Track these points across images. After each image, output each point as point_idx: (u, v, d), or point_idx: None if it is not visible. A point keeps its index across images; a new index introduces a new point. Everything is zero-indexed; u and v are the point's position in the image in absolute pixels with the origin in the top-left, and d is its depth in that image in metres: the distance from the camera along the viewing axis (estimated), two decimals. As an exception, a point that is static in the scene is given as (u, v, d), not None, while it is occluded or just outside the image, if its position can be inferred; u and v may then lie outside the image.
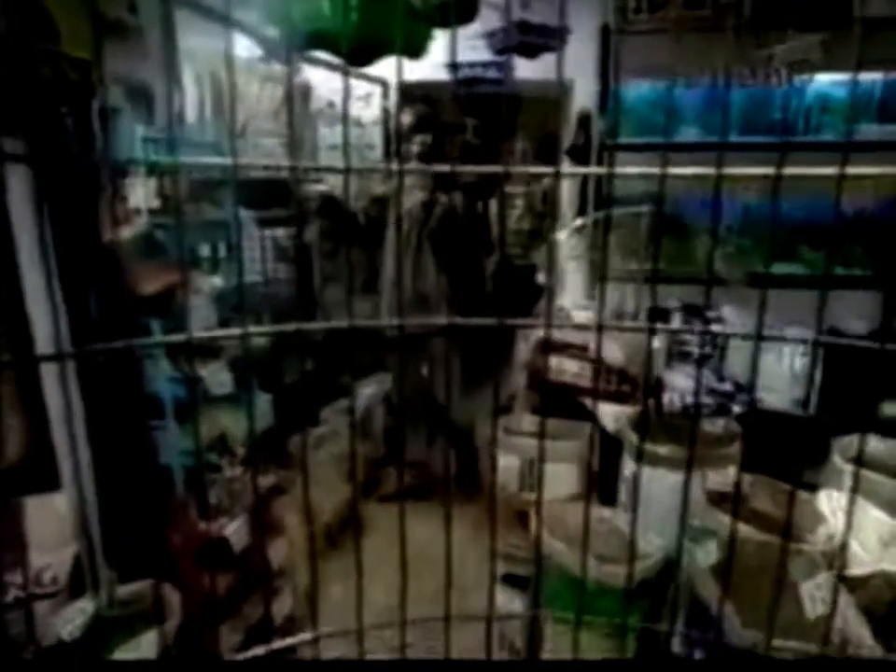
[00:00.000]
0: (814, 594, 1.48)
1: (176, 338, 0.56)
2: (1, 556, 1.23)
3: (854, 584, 1.44)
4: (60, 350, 0.61)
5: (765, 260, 2.78)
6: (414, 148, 2.85)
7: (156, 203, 1.62)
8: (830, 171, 0.75)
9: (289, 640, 0.56)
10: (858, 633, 1.29)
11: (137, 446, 1.80)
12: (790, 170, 0.76)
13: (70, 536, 1.68)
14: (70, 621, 1.52)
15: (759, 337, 0.64)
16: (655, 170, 0.57)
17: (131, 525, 1.79)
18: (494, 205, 4.61)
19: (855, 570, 1.54)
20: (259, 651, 0.55)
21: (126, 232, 1.58)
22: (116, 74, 1.79)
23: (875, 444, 2.09)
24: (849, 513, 1.12)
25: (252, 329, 0.56)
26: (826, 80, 2.88)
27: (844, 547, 1.64)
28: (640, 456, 1.97)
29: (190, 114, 2.15)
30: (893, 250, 2.76)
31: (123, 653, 1.47)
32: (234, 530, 1.89)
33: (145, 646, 1.50)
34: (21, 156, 1.27)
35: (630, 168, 0.69)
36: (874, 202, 2.84)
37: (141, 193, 1.58)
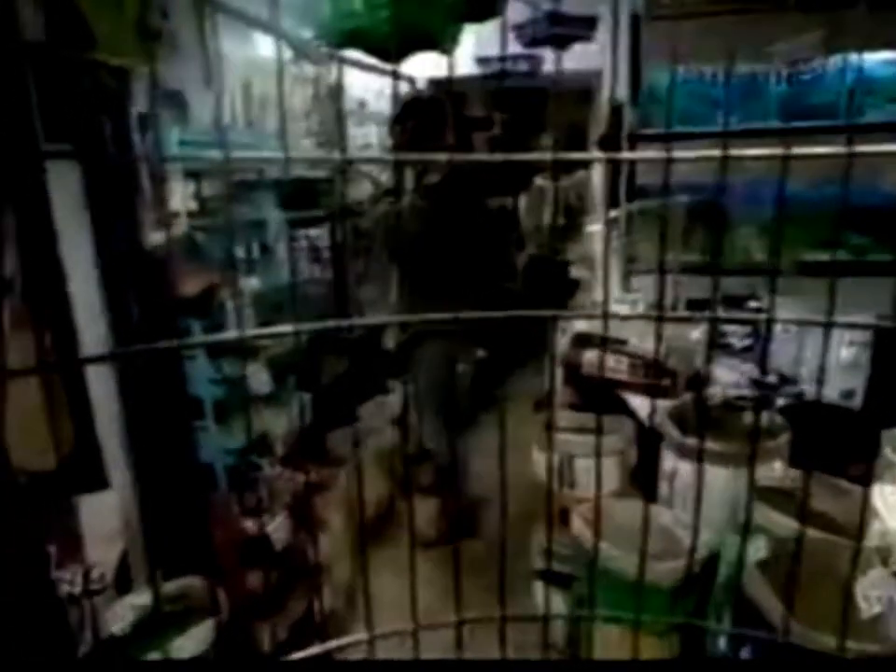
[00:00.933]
0: (868, 591, 1.44)
1: (228, 336, 0.56)
2: (56, 553, 1.27)
3: (911, 581, 1.39)
4: (105, 351, 0.61)
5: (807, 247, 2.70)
6: (393, 138, 2.55)
7: (194, 206, 1.64)
8: (837, 150, 0.67)
9: (343, 640, 0.56)
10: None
11: (180, 446, 1.83)
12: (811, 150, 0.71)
13: (117, 534, 1.72)
14: (120, 617, 1.56)
15: (828, 324, 0.61)
16: (715, 152, 0.54)
17: (175, 523, 1.83)
18: (523, 200, 4.58)
19: (911, 567, 1.48)
20: (313, 650, 0.55)
21: (165, 235, 1.60)
22: (150, 78, 1.81)
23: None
24: None
25: (299, 325, 0.56)
26: (869, 59, 2.78)
27: (899, 543, 1.58)
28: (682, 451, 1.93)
29: (225, 117, 2.18)
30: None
31: (171, 650, 1.49)
32: (275, 527, 1.91)
33: (192, 642, 1.53)
34: (66, 152, 1.30)
35: (688, 152, 0.66)
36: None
37: (179, 196, 1.60)
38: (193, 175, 1.60)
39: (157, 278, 1.66)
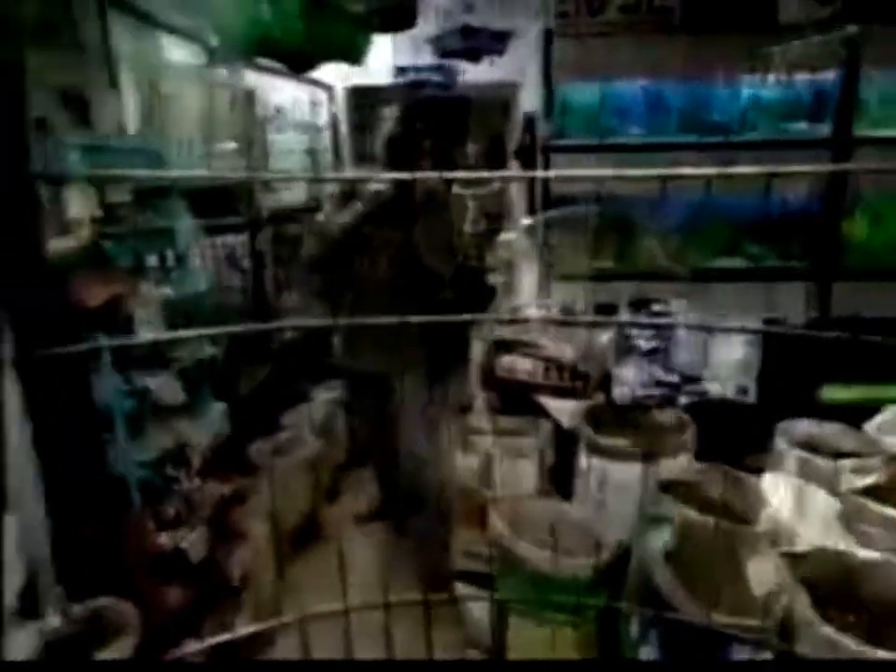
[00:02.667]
0: (759, 572, 1.55)
1: (143, 338, 0.56)
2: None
3: (797, 562, 1.51)
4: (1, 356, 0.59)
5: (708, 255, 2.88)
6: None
7: (99, 213, 1.58)
8: (752, 170, 0.79)
9: (270, 623, 0.57)
10: (800, 609, 1.36)
11: (89, 460, 1.76)
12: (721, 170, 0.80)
13: (17, 559, 1.63)
14: (25, 643, 1.48)
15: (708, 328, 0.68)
16: (596, 171, 0.59)
17: (85, 540, 1.75)
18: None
19: (797, 548, 1.61)
20: (245, 630, 0.55)
21: (67, 244, 1.54)
22: (49, 80, 1.74)
23: (814, 427, 2.19)
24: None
25: (214, 330, 0.57)
26: (758, 81, 3.01)
27: (785, 527, 1.72)
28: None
29: (130, 122, 2.11)
30: (825, 243, 2.90)
31: (80, 673, 1.43)
32: (192, 541, 1.86)
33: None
34: None
35: (574, 170, 0.71)
36: (807, 196, 2.97)
37: (81, 203, 1.54)
38: (98, 181, 1.55)
39: (60, 289, 1.59)
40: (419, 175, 2.13)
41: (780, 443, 2.14)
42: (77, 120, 1.60)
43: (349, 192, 2.26)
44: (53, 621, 1.61)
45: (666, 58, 2.92)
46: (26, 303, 1.53)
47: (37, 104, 1.59)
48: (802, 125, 2.93)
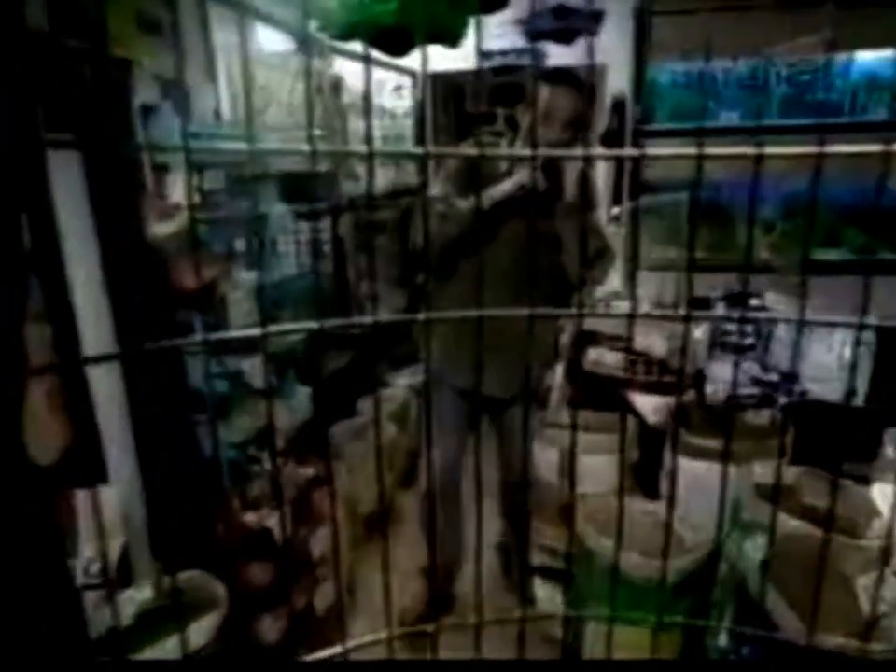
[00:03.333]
0: (870, 589, 1.44)
1: (218, 336, 0.55)
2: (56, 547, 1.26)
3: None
4: (109, 352, 0.60)
5: (810, 246, 2.70)
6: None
7: (196, 199, 1.63)
8: (862, 148, 0.68)
9: (318, 655, 0.55)
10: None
11: (182, 440, 1.83)
12: (830, 148, 0.71)
13: (118, 527, 1.71)
14: (120, 610, 1.56)
15: (801, 322, 0.61)
16: (691, 150, 0.53)
17: (177, 517, 1.82)
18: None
19: (913, 566, 1.49)
20: (328, 652, 0.54)
21: (167, 228, 1.59)
22: (154, 71, 1.80)
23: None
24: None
25: (284, 325, 0.56)
26: (872, 57, 2.78)
27: (901, 542, 1.59)
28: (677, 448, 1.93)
29: (226, 109, 2.16)
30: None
31: (171, 644, 1.49)
32: (276, 521, 1.91)
33: (193, 636, 1.52)
34: (68, 142, 1.28)
35: (663, 149, 0.65)
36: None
37: (181, 189, 1.59)
38: (196, 167, 1.59)
39: (159, 272, 1.65)
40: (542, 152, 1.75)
41: (890, 451, 1.99)
42: (178, 109, 1.65)
43: (470, 174, 1.91)
44: (146, 592, 1.68)
45: (769, 35, 2.74)
46: (129, 286, 1.59)
47: (142, 92, 1.65)
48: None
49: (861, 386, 2.10)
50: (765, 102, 2.89)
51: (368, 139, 0.59)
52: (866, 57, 2.73)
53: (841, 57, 2.71)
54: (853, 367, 1.94)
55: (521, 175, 1.88)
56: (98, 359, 0.59)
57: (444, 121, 3.52)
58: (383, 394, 3.27)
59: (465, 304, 0.59)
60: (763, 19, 2.74)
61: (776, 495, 1.44)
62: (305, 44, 2.23)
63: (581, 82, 1.94)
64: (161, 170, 1.57)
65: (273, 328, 0.58)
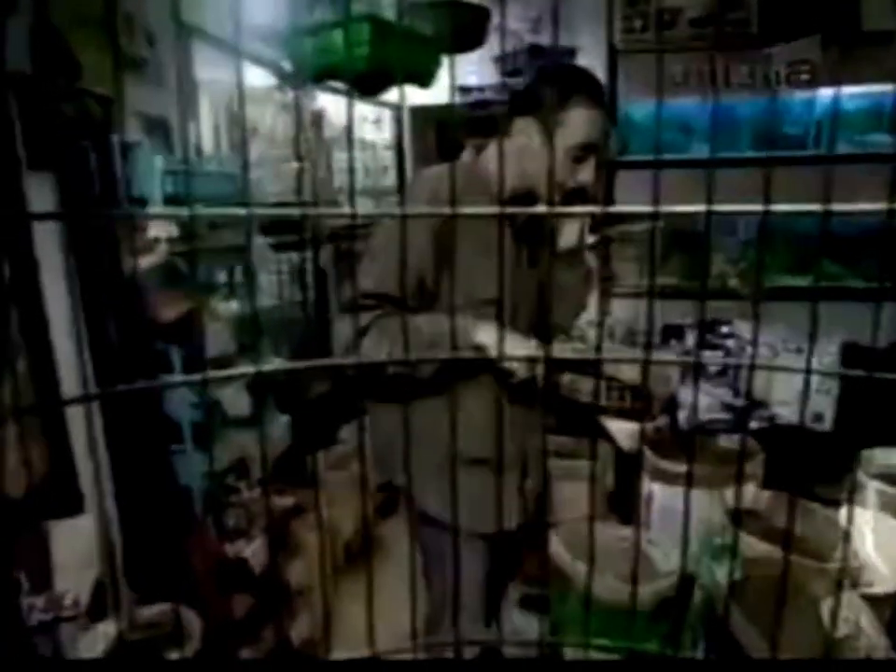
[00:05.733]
0: (836, 613, 1.46)
1: (194, 378, 0.58)
2: (27, 580, 1.26)
3: (877, 602, 1.42)
4: (85, 392, 0.63)
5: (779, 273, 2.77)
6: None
7: (175, 232, 1.66)
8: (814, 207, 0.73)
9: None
10: (880, 655, 1.27)
11: (158, 470, 1.83)
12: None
13: (92, 559, 1.70)
14: (92, 644, 1.54)
15: (752, 366, 0.65)
16: (647, 208, 0.58)
17: (152, 548, 1.82)
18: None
19: (877, 588, 1.51)
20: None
21: (146, 262, 1.62)
22: (135, 107, 1.85)
23: (897, 458, 2.06)
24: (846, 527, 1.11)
25: (264, 362, 0.58)
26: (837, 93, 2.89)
27: (864, 565, 1.62)
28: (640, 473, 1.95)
29: (208, 145, 2.21)
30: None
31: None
32: (253, 551, 1.91)
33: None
34: (51, 214, 1.31)
35: (624, 206, 0.70)
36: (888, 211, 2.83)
37: (161, 223, 1.63)
38: (175, 200, 1.63)
39: (137, 305, 1.67)
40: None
41: (859, 474, 2.02)
42: (159, 145, 1.69)
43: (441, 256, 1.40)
44: (120, 624, 1.67)
45: (737, 71, 2.85)
46: (107, 320, 1.61)
47: (122, 129, 1.69)
48: (881, 137, 2.80)
49: (829, 410, 2.14)
50: (735, 134, 2.99)
51: (351, 190, 0.63)
52: (828, 93, 2.84)
53: (805, 93, 2.81)
54: (805, 393, 1.99)
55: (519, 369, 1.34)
56: (75, 401, 0.61)
57: (425, 154, 3.59)
58: (363, 422, 3.27)
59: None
60: (733, 55, 2.86)
61: (737, 518, 1.47)
62: (287, 80, 2.30)
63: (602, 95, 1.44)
64: (140, 203, 1.61)
65: (213, 373, 0.60)
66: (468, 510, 0.94)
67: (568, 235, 1.55)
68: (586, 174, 1.35)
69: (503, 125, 1.42)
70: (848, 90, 2.83)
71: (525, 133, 1.38)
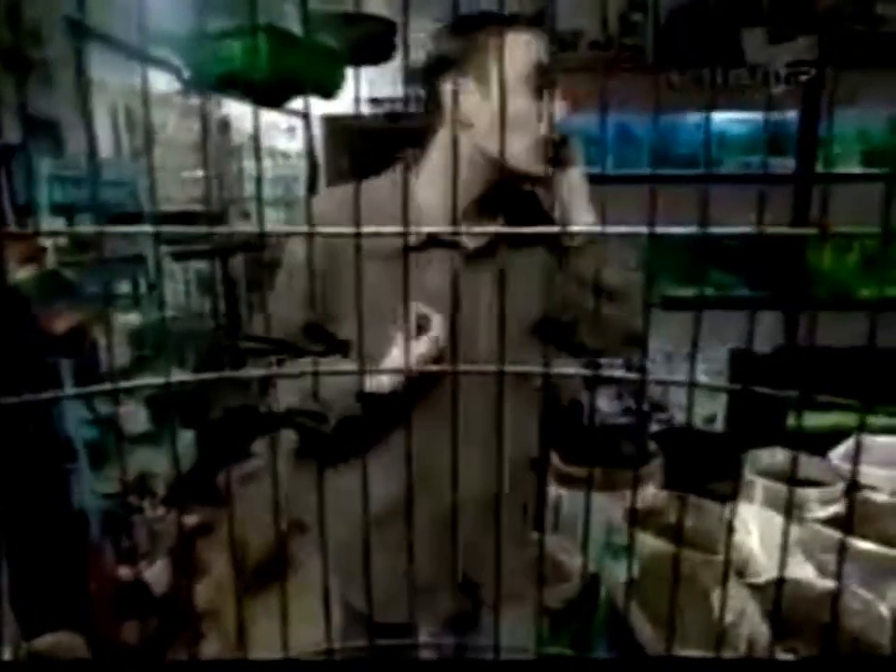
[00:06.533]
0: (724, 602, 1.55)
1: (100, 388, 0.55)
2: None
3: (760, 591, 1.52)
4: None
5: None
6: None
7: (64, 242, 1.58)
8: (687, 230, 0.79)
9: None
10: (761, 640, 1.36)
11: (48, 491, 1.73)
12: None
13: (-27, 591, 1.59)
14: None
15: (643, 381, 0.70)
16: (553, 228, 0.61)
17: (44, 574, 1.71)
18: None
19: (760, 577, 1.63)
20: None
21: (33, 271, 1.53)
22: (16, 107, 1.74)
23: (782, 456, 2.21)
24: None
25: (174, 373, 0.55)
26: (723, 117, 3.12)
27: (749, 555, 1.73)
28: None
29: (104, 148, 2.12)
30: (791, 273, 2.97)
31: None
32: (154, 573, 1.83)
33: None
34: None
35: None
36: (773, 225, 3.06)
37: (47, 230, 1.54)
38: (63, 208, 1.55)
39: (24, 317, 1.58)
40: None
41: (747, 472, 2.16)
42: (48, 147, 1.60)
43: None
44: (4, 656, 1.57)
45: (636, 93, 3.01)
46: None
47: (6, 130, 1.59)
48: (764, 160, 3.03)
49: (721, 411, 2.29)
50: (636, 152, 3.15)
51: (259, 200, 0.62)
52: (720, 117, 3.05)
53: (695, 116, 3.01)
54: (690, 401, 2.12)
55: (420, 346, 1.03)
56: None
57: (339, 164, 3.57)
58: (280, 434, 3.20)
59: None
60: (631, 78, 3.02)
61: (632, 517, 1.55)
62: (189, 85, 2.24)
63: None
64: (25, 211, 1.52)
65: (122, 384, 0.57)
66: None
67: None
68: (558, 108, 1.09)
69: (435, 99, 1.11)
70: (734, 115, 3.06)
71: (467, 99, 1.07)
